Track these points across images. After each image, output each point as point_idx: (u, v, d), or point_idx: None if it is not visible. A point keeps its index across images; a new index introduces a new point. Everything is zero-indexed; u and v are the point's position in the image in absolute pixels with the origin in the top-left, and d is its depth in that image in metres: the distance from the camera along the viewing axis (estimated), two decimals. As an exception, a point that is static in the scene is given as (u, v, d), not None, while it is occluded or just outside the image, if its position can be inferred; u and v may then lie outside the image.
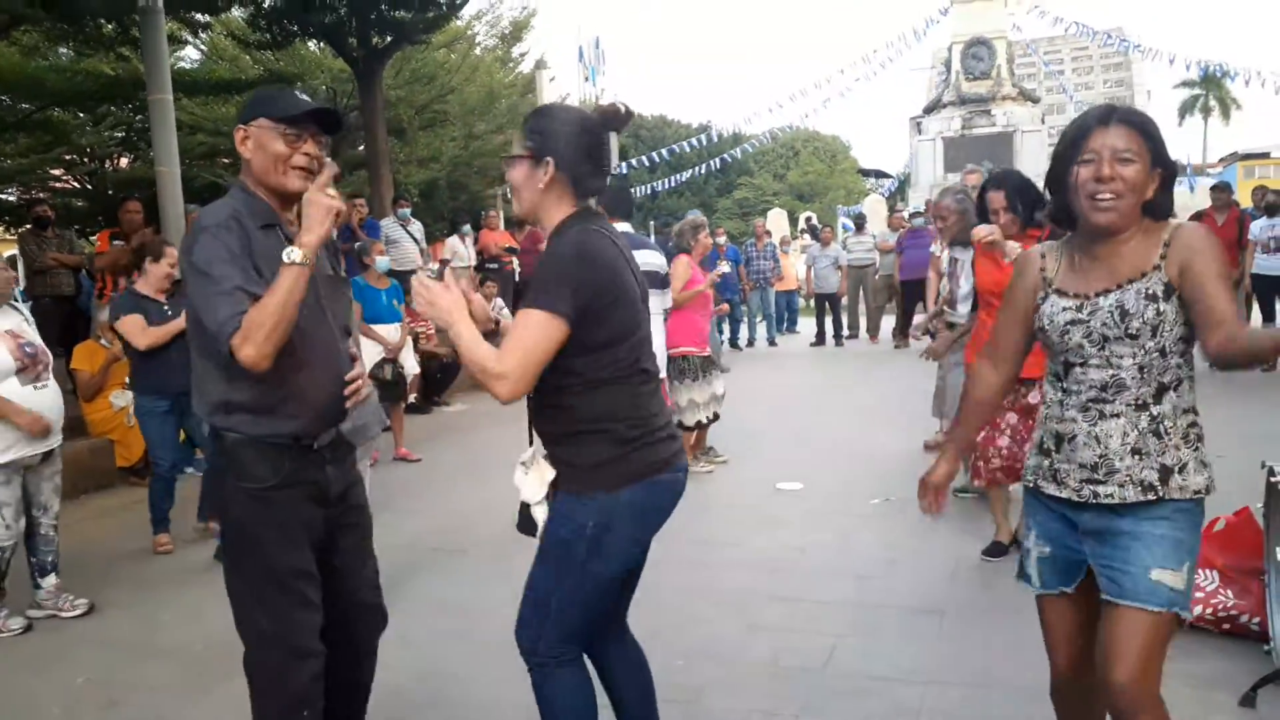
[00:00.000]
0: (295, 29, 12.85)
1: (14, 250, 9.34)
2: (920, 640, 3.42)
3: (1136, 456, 1.92)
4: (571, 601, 2.11)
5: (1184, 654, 2.92)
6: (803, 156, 54.61)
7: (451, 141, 19.04)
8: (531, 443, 2.19)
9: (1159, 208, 1.94)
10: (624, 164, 23.17)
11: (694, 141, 26.79)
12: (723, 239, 13.13)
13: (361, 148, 15.68)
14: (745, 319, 14.38)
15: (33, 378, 3.83)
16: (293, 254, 2.04)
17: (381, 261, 7.20)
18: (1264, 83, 20.99)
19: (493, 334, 2.17)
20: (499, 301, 9.66)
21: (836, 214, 29.19)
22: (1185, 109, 50.80)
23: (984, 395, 2.20)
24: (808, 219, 24.89)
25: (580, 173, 2.08)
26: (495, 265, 11.15)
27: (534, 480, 2.12)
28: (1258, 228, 9.55)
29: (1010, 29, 23.20)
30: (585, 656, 2.23)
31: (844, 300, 14.05)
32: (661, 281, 5.28)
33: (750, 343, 14.29)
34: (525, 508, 2.17)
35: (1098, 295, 1.95)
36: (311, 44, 16.32)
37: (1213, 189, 10.38)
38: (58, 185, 16.97)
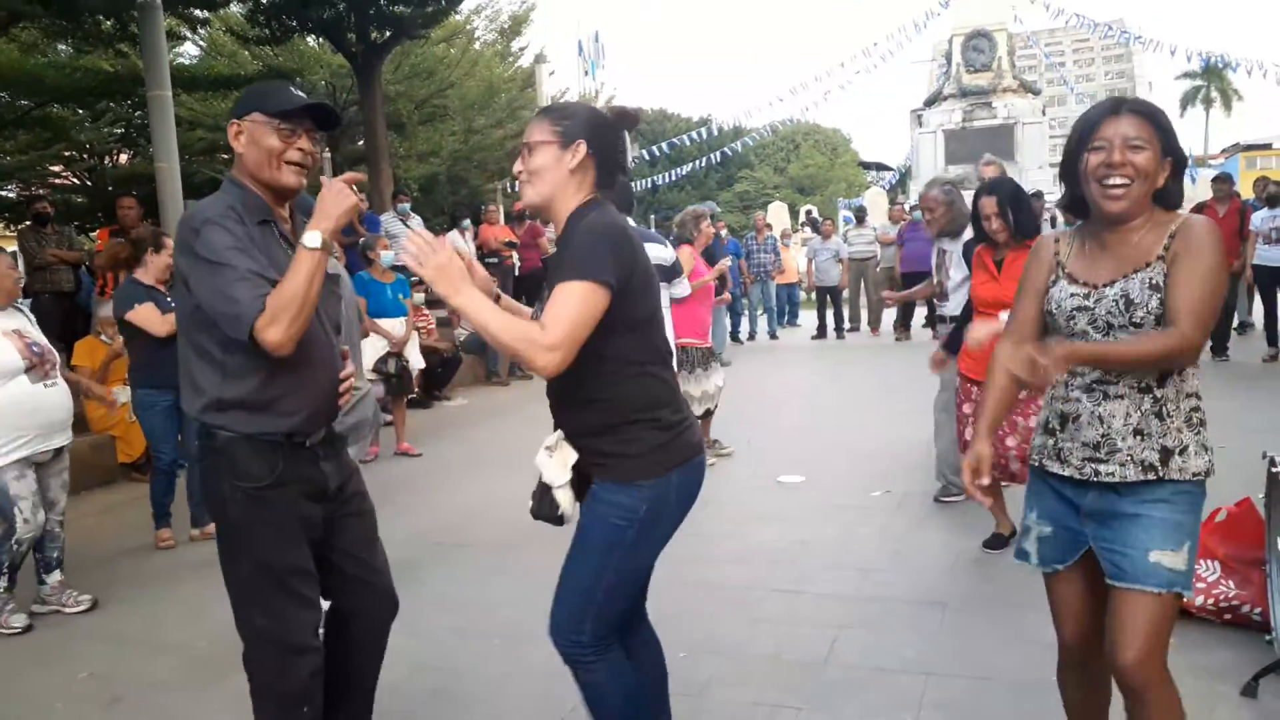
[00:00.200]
0: (294, 24, 12.83)
1: (14, 247, 9.34)
2: (922, 632, 3.42)
3: (1138, 437, 1.94)
4: (618, 588, 2.13)
5: (1186, 645, 2.92)
6: (803, 150, 54.51)
7: (451, 136, 19.03)
8: (557, 428, 2.17)
9: (1169, 196, 1.97)
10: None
11: (694, 135, 26.75)
12: (724, 232, 13.13)
13: (361, 143, 15.68)
14: (746, 312, 14.37)
15: (42, 376, 3.87)
16: (314, 239, 2.03)
17: (386, 256, 7.26)
18: (1265, 73, 20.97)
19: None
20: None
21: (837, 207, 29.20)
22: (1187, 100, 50.74)
23: (1006, 380, 2.19)
24: (808, 212, 24.90)
25: (605, 159, 2.11)
26: (495, 259, 11.14)
27: (557, 463, 2.09)
28: (1259, 219, 9.53)
29: (1011, 21, 23.17)
30: None
31: (845, 293, 14.05)
32: (668, 274, 5.31)
33: (751, 336, 14.29)
34: (543, 493, 2.13)
35: (1105, 285, 1.97)
36: (310, 39, 16.31)
37: (1214, 180, 10.36)
38: (57, 182, 16.98)
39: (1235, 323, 10.43)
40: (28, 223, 8.98)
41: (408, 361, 7.21)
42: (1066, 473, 2.03)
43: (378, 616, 2.43)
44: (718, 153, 27.92)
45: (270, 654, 2.19)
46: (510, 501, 5.28)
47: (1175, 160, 1.95)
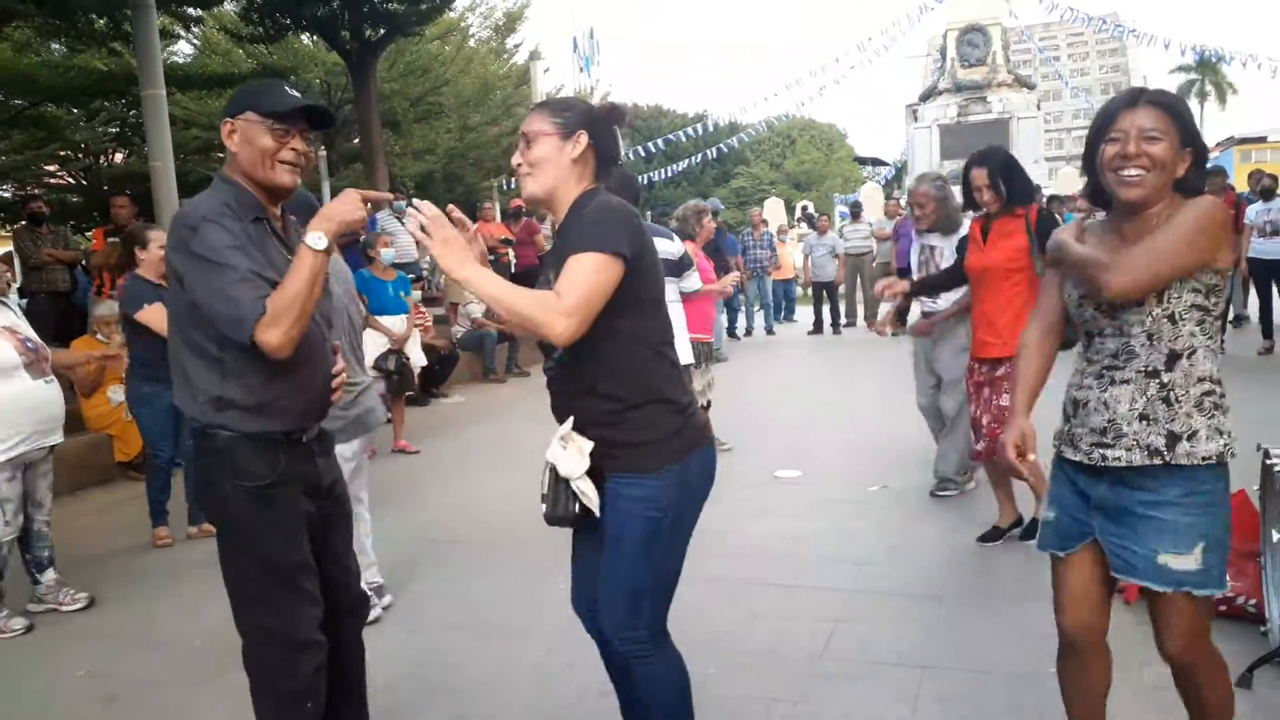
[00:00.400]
0: (288, 22, 12.81)
1: (9, 247, 9.32)
2: (918, 626, 3.43)
3: (1144, 422, 1.96)
4: (667, 576, 2.14)
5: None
6: (799, 145, 54.54)
7: (446, 134, 19.02)
8: (563, 422, 2.14)
9: (1190, 185, 1.99)
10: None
11: (690, 131, 26.74)
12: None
13: (356, 141, 15.66)
14: (743, 308, 14.38)
15: (39, 372, 3.85)
16: (319, 240, 2.02)
17: (386, 253, 7.30)
18: (1260, 67, 20.98)
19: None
20: None
21: (833, 202, 29.20)
22: (1182, 94, 50.72)
23: (1033, 354, 2.22)
24: (804, 208, 24.88)
25: (604, 150, 2.12)
26: (491, 257, 11.13)
27: (573, 455, 2.05)
28: (1253, 212, 9.55)
29: (1005, 15, 23.17)
30: (595, 639, 2.25)
31: (841, 288, 14.06)
32: (675, 269, 5.27)
33: (748, 332, 14.30)
34: (559, 490, 2.07)
35: None
36: (305, 37, 16.28)
37: (1208, 173, 10.37)
38: (52, 181, 16.96)
39: (1230, 315, 10.45)
40: (23, 222, 8.95)
41: (409, 359, 7.21)
42: (1077, 458, 2.06)
43: (356, 617, 2.45)
44: (713, 149, 27.88)
45: (275, 651, 2.19)
46: (507, 498, 5.32)
47: (1196, 150, 1.97)
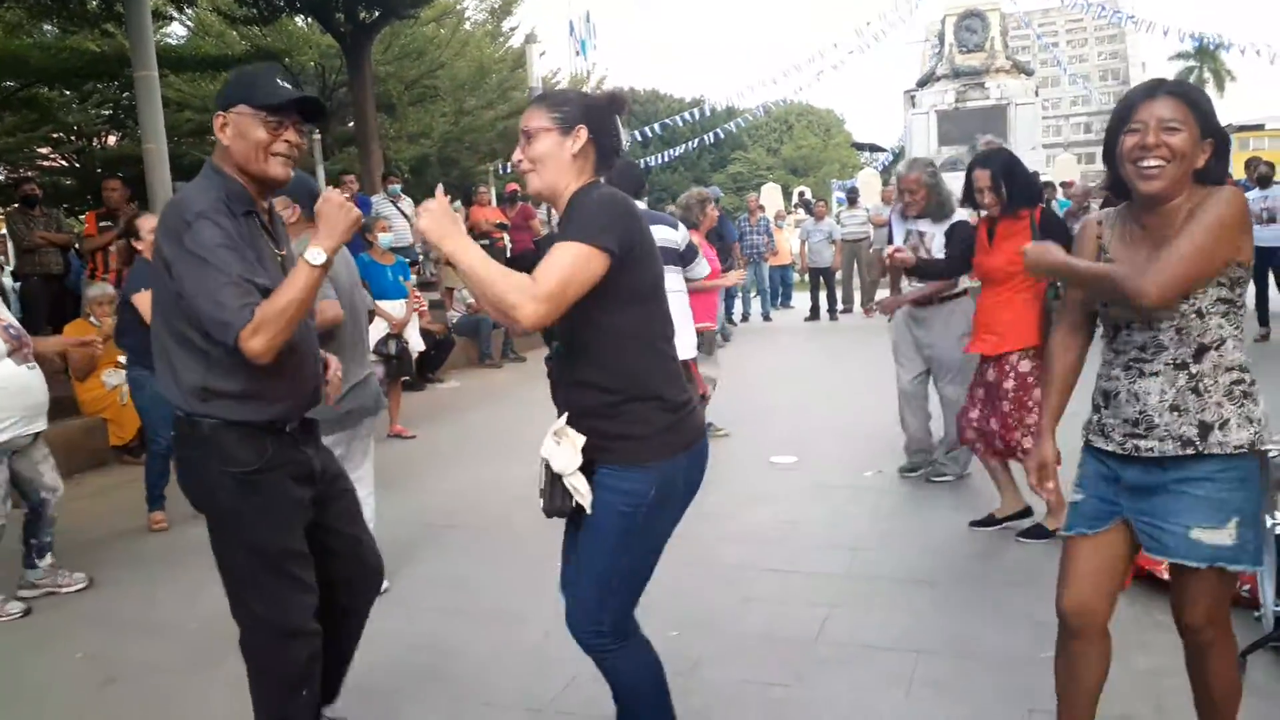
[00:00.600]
0: (282, 4, 12.75)
1: (2, 230, 9.28)
2: (912, 611, 3.44)
3: (1175, 413, 1.97)
4: (634, 573, 2.12)
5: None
6: (796, 131, 54.42)
7: (442, 117, 18.95)
8: (560, 414, 2.15)
9: (1212, 175, 1.98)
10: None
11: (687, 116, 26.64)
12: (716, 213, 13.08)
13: (351, 124, 15.58)
14: (739, 294, 14.36)
15: (23, 359, 3.83)
16: (318, 256, 2.02)
17: (385, 238, 7.30)
18: (1259, 54, 20.95)
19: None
20: None
21: (830, 188, 29.14)
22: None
23: (1061, 356, 2.23)
24: (801, 193, 24.86)
25: (604, 142, 2.11)
26: (486, 241, 11.10)
27: (566, 450, 2.04)
28: (1251, 199, 9.55)
29: (1004, 1, 23.09)
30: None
31: (838, 274, 14.06)
32: (680, 257, 5.19)
33: (745, 317, 14.30)
34: (554, 485, 2.07)
35: None
36: (299, 19, 16.18)
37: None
38: (45, 164, 16.89)
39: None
40: (16, 205, 8.91)
41: (407, 343, 7.21)
42: (1109, 448, 2.07)
43: (367, 585, 2.48)
44: (711, 134, 27.79)
45: (267, 639, 2.20)
46: (502, 483, 5.33)
47: (1217, 140, 1.96)
